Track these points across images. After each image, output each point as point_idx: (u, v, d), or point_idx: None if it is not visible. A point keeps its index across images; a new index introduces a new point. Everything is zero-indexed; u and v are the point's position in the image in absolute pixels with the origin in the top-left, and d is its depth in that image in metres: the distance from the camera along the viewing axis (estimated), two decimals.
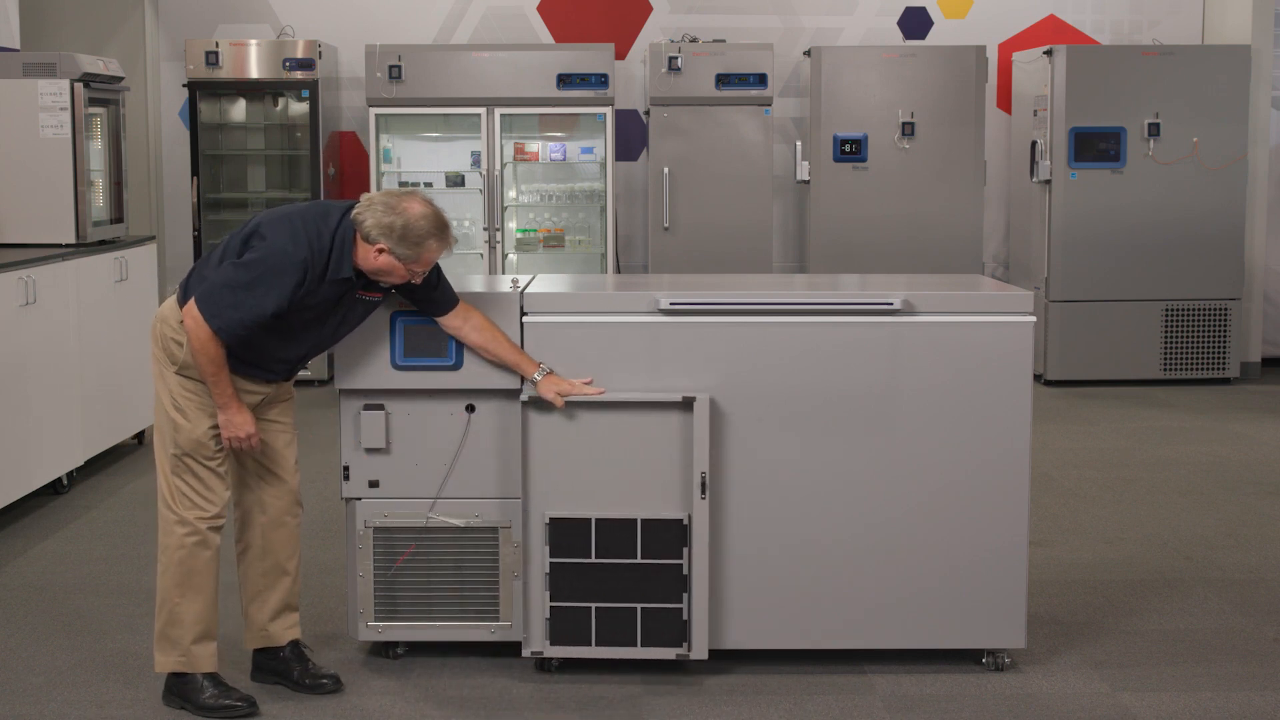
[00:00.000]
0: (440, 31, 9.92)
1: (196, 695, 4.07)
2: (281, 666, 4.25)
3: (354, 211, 3.94)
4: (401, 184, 9.39)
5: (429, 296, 4.15)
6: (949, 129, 9.33)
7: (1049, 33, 10.06)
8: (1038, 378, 9.27)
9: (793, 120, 9.96)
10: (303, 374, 9.33)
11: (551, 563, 4.27)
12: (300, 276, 3.86)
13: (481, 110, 9.04)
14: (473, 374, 4.27)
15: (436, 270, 4.12)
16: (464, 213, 9.49)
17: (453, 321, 4.18)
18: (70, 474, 6.59)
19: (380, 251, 3.90)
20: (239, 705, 4.07)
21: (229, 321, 3.85)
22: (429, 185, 9.37)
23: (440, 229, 3.94)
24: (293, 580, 4.27)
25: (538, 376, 4.20)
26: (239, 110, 9.62)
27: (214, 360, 3.89)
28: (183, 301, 3.98)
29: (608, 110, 9.07)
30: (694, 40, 9.37)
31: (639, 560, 4.26)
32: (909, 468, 4.29)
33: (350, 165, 9.92)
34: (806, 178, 9.40)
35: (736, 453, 4.28)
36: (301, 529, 4.31)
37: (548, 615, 4.28)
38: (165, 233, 9.76)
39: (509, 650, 4.45)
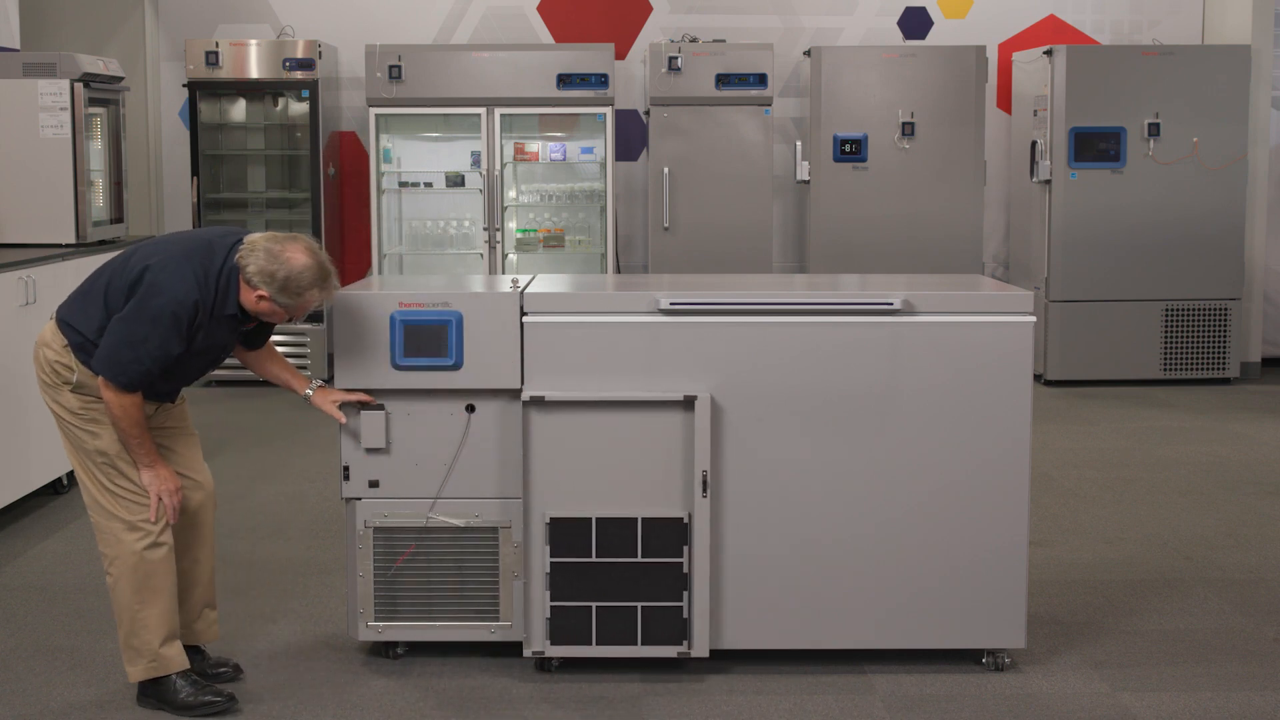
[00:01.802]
0: (440, 31, 9.92)
1: (173, 695, 4.05)
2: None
3: (238, 255, 3.93)
4: (401, 184, 9.40)
5: (264, 332, 4.23)
6: (949, 129, 9.33)
7: (1049, 33, 10.06)
8: (1038, 378, 9.27)
9: (793, 120, 9.96)
10: (303, 374, 9.33)
11: (552, 562, 4.27)
12: (193, 315, 3.88)
13: (481, 110, 9.04)
14: (473, 374, 4.27)
15: None
16: (464, 213, 9.49)
17: (260, 353, 4.31)
18: (70, 474, 6.59)
19: (261, 298, 3.91)
20: (217, 700, 4.06)
21: (137, 374, 3.86)
22: (429, 185, 9.37)
23: (322, 280, 3.94)
24: (209, 578, 4.28)
25: (309, 391, 4.26)
26: (239, 110, 9.62)
27: (136, 423, 3.91)
28: (62, 326, 4.00)
29: (608, 110, 9.07)
30: (694, 40, 9.37)
31: (639, 559, 4.26)
32: (909, 468, 4.29)
33: (350, 165, 9.92)
34: (806, 178, 9.40)
35: (736, 452, 4.28)
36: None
37: (548, 615, 4.28)
38: (165, 233, 9.75)
39: (509, 650, 4.45)
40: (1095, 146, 9.19)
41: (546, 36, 9.91)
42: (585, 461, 4.26)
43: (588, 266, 9.59)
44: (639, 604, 4.27)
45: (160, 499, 3.99)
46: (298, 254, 3.91)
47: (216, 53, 9.19)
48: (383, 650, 4.49)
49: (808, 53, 9.56)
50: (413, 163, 9.53)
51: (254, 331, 4.22)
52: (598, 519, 4.26)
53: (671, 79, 9.15)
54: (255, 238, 3.97)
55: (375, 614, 4.38)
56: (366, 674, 4.37)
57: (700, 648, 4.29)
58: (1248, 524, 6.06)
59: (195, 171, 9.32)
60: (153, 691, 4.08)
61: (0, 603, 5.07)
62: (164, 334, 3.85)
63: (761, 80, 9.17)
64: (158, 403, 4.11)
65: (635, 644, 4.29)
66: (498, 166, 9.07)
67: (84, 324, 3.96)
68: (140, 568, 3.99)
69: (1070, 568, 5.44)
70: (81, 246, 6.86)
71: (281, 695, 4.21)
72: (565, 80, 9.02)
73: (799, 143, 9.53)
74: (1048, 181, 9.28)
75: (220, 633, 4.41)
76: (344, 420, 4.29)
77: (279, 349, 9.38)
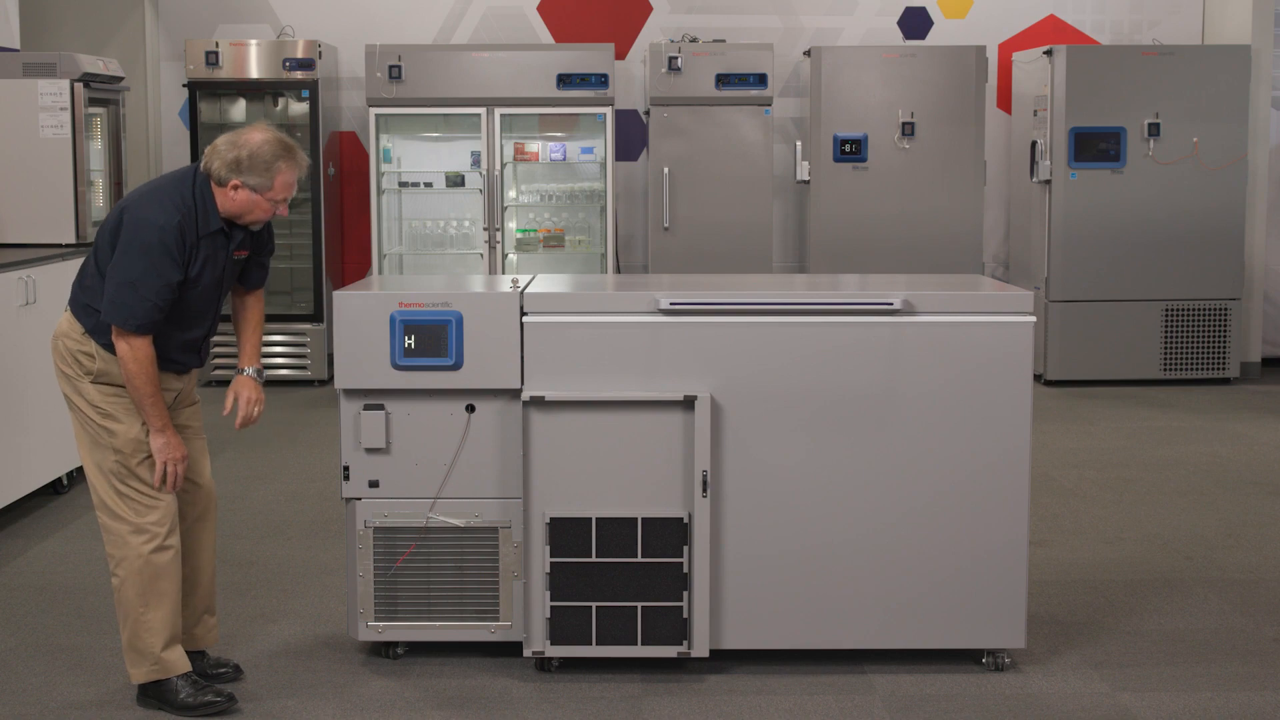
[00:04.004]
0: (440, 31, 9.92)
1: (173, 696, 4.05)
2: None
3: (202, 163, 3.97)
4: (401, 184, 9.40)
5: (259, 261, 4.22)
6: (949, 129, 9.33)
7: (1049, 33, 10.06)
8: (1038, 378, 9.28)
9: (793, 120, 9.96)
10: (303, 374, 9.35)
11: (552, 562, 4.27)
12: (181, 239, 3.89)
13: (481, 110, 9.03)
14: (473, 374, 4.27)
15: (273, 242, 4.23)
16: (464, 213, 9.49)
17: (248, 296, 4.29)
18: (70, 474, 6.59)
19: (235, 189, 3.94)
20: (217, 700, 4.06)
21: (144, 313, 3.86)
22: (429, 185, 9.38)
23: (286, 150, 3.97)
24: (210, 585, 4.28)
25: (245, 371, 4.22)
26: (239, 110, 9.62)
27: (151, 380, 3.90)
28: (75, 311, 4.00)
29: (608, 110, 9.07)
30: (694, 40, 9.37)
31: (639, 559, 4.26)
32: (909, 468, 4.29)
33: (350, 165, 9.92)
34: (806, 178, 9.40)
35: (735, 452, 4.28)
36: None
37: (548, 615, 4.28)
38: None
39: (509, 650, 4.45)
40: (1095, 146, 9.19)
41: (546, 36, 9.91)
42: (585, 461, 4.26)
43: (588, 266, 9.59)
44: (639, 604, 4.27)
45: (165, 466, 3.97)
46: (254, 134, 3.96)
47: (216, 53, 9.19)
48: (383, 650, 4.49)
49: (808, 53, 9.56)
50: (413, 163, 9.53)
51: (250, 264, 4.21)
52: (598, 519, 4.26)
53: (671, 79, 9.15)
54: (214, 141, 4.01)
55: (375, 614, 4.38)
56: (366, 674, 4.37)
57: (700, 648, 4.29)
58: (1248, 524, 6.06)
59: None
60: (153, 692, 4.08)
61: (0, 603, 5.07)
62: (159, 264, 3.85)
63: (761, 80, 9.17)
64: (181, 372, 4.09)
65: (635, 644, 4.29)
66: (498, 166, 9.07)
67: (93, 299, 3.97)
68: (146, 571, 3.99)
69: (1070, 568, 5.44)
70: (81, 246, 6.86)
71: (281, 695, 4.21)
72: (565, 80, 9.02)
73: (799, 143, 9.53)
74: (1048, 181, 9.28)
75: (219, 636, 4.41)
76: (226, 411, 4.23)
77: (281, 347, 9.40)
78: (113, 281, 3.88)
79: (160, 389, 3.96)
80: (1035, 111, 9.48)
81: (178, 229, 3.88)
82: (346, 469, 4.36)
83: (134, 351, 3.88)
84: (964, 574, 4.32)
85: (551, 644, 4.29)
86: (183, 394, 4.16)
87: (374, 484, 4.35)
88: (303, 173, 4.04)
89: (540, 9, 9.92)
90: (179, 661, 4.07)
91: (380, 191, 9.24)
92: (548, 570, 4.27)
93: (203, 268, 3.97)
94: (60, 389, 4.09)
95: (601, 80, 9.02)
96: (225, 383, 9.22)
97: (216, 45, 9.21)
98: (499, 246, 9.14)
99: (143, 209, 3.90)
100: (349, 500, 4.38)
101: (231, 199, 3.95)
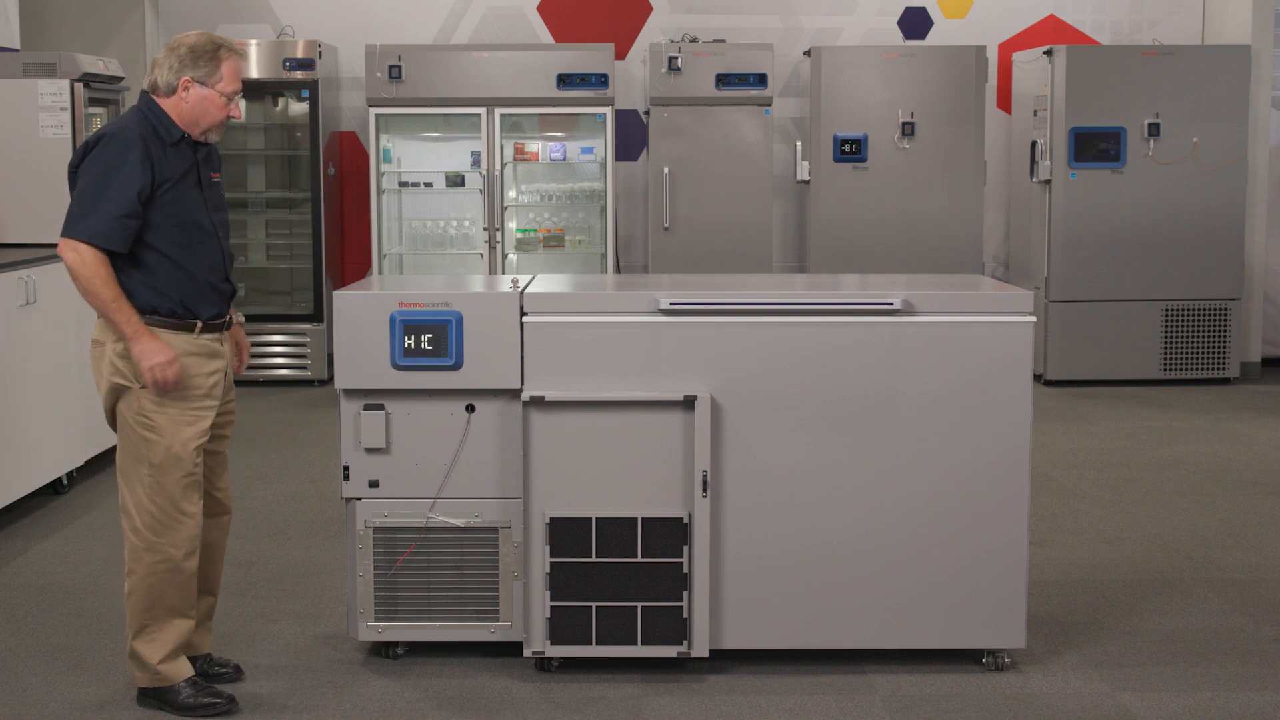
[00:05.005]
0: (440, 31, 9.92)
1: (173, 696, 4.05)
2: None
3: (145, 85, 3.97)
4: (401, 184, 9.40)
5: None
6: (949, 129, 9.33)
7: (1049, 33, 10.06)
8: (1038, 378, 9.27)
9: (793, 120, 9.96)
10: (302, 374, 9.34)
11: (552, 562, 4.27)
12: (143, 150, 3.85)
13: (481, 110, 9.03)
14: (473, 374, 4.27)
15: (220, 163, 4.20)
16: (464, 213, 9.49)
17: None
18: (70, 474, 6.59)
19: (186, 88, 3.93)
20: (217, 702, 4.06)
21: (100, 224, 3.79)
22: (429, 185, 9.38)
23: (223, 40, 4.00)
24: (215, 599, 4.29)
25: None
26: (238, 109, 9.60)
27: (108, 282, 3.81)
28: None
29: (608, 110, 9.07)
30: (694, 40, 9.37)
31: (639, 559, 4.26)
32: (909, 468, 4.29)
33: (350, 165, 9.92)
34: (806, 178, 9.40)
35: (735, 453, 4.28)
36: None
37: (548, 615, 4.28)
38: None
39: (509, 650, 4.45)
40: (1095, 146, 9.19)
41: (546, 36, 9.91)
42: (585, 461, 4.26)
43: (588, 266, 9.59)
44: (639, 604, 4.27)
45: (153, 373, 3.85)
46: (186, 35, 3.99)
47: None
48: (383, 650, 4.49)
49: (808, 53, 9.56)
50: (413, 163, 9.53)
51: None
52: (598, 519, 4.26)
53: (671, 79, 9.15)
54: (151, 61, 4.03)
55: (375, 614, 4.38)
56: (366, 674, 4.37)
57: (700, 648, 4.29)
58: (1248, 524, 6.06)
59: None
60: (153, 693, 4.08)
61: (0, 603, 5.07)
62: (121, 171, 3.81)
63: (761, 80, 9.17)
64: (217, 319, 4.02)
65: (635, 644, 4.29)
66: (498, 166, 9.07)
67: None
68: (156, 588, 3.98)
69: (1070, 568, 5.44)
70: None
71: (281, 695, 4.21)
72: (565, 80, 9.02)
73: (799, 143, 9.53)
74: (1048, 181, 9.28)
75: (220, 634, 4.41)
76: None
77: (281, 347, 9.39)
78: (75, 197, 3.84)
79: (121, 294, 3.84)
80: (1035, 111, 9.48)
81: (138, 137, 3.85)
82: (346, 469, 4.36)
83: (82, 258, 3.80)
84: (964, 574, 4.32)
85: (551, 644, 4.29)
86: (226, 378, 4.10)
87: (374, 484, 4.35)
88: (244, 61, 4.06)
89: (540, 9, 9.92)
90: (178, 671, 4.06)
91: (380, 191, 9.24)
92: (548, 570, 4.27)
93: (182, 177, 3.93)
94: (102, 405, 4.01)
95: (601, 80, 9.02)
96: None
97: None
98: (499, 246, 9.14)
99: (102, 133, 3.89)
100: (349, 500, 4.38)
101: (184, 101, 3.93)
